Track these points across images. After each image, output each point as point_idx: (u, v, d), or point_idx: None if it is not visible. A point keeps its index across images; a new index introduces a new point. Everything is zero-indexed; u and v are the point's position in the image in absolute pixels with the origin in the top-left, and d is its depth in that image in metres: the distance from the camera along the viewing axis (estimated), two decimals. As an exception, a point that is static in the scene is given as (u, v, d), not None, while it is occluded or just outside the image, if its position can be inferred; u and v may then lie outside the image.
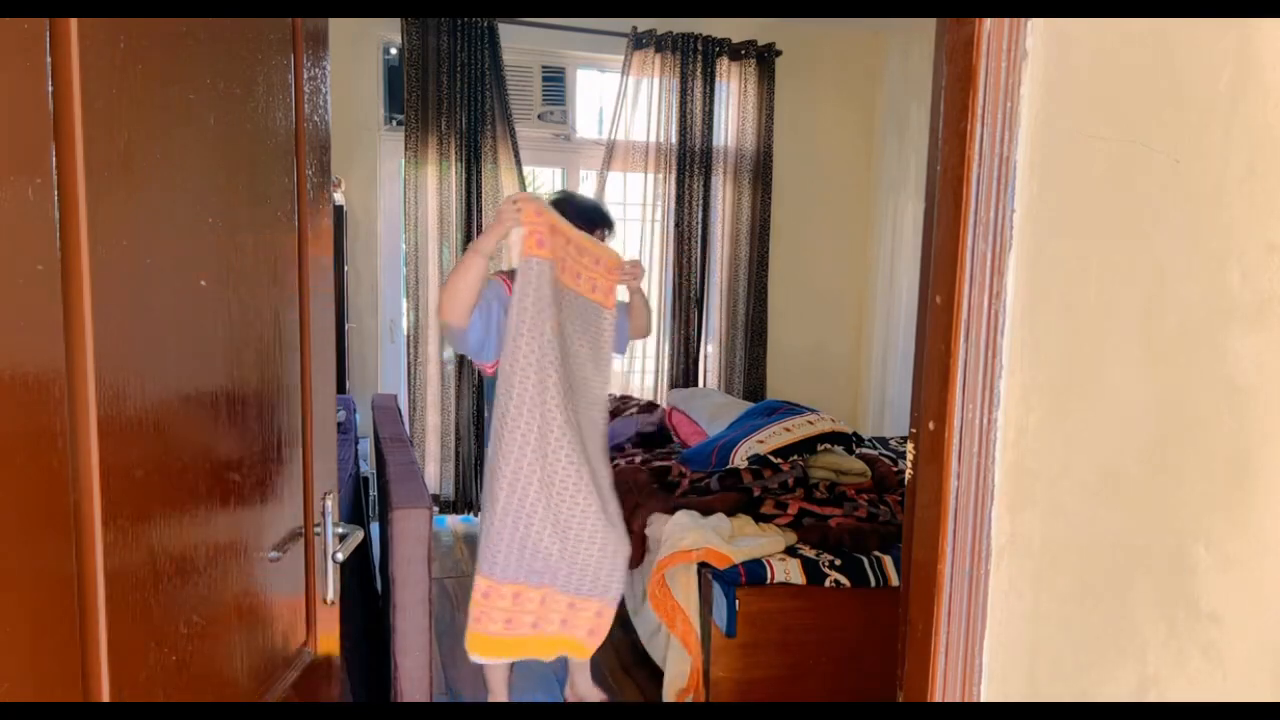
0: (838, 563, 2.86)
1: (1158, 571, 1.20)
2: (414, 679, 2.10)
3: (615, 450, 4.01)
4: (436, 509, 4.52)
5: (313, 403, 1.19)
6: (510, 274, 2.58)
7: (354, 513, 2.97)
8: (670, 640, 2.93)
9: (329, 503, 1.22)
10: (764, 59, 4.95)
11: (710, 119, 4.87)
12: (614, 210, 4.88)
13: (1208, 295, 1.15)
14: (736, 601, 2.76)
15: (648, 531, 3.19)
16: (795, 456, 3.58)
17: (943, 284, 1.13)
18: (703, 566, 2.89)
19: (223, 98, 0.93)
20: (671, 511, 3.16)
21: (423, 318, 4.56)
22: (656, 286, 4.92)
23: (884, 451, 4.20)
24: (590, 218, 2.69)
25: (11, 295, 0.63)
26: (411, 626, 2.08)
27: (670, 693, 2.89)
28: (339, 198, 4.19)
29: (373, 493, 3.87)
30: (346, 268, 4.34)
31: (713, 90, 4.86)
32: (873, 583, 2.84)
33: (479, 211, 4.54)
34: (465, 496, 4.73)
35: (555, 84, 4.85)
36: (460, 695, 3.07)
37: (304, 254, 1.15)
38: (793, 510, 3.21)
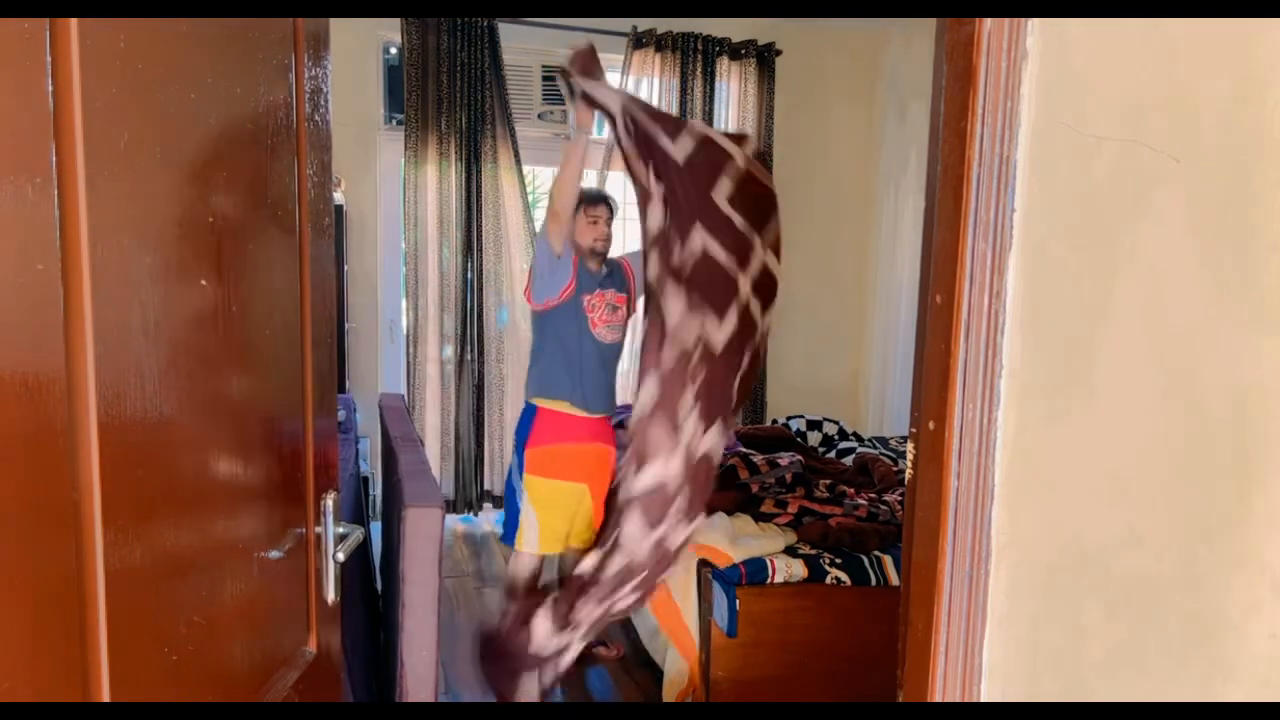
0: (838, 561, 2.87)
1: (1158, 570, 1.20)
2: (420, 678, 2.09)
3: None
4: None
5: (313, 402, 1.19)
6: None
7: (354, 513, 2.97)
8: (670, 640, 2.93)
9: (329, 503, 1.21)
10: (764, 59, 4.96)
11: (710, 118, 4.87)
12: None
13: (1209, 295, 1.15)
14: (737, 601, 2.76)
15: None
16: None
17: (943, 284, 1.13)
18: (702, 564, 2.89)
19: (223, 97, 0.93)
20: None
21: (422, 317, 4.56)
22: (656, 286, 4.92)
23: (884, 451, 4.20)
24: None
25: (11, 295, 0.63)
26: (420, 626, 2.07)
27: (670, 693, 2.89)
28: (339, 197, 4.19)
29: (373, 492, 3.87)
30: (346, 268, 4.34)
31: (713, 90, 4.86)
32: (873, 582, 2.84)
33: (479, 211, 4.54)
34: (465, 496, 4.73)
35: (555, 84, 4.85)
36: (462, 695, 3.06)
37: (304, 253, 1.15)
38: (793, 509, 3.21)
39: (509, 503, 3.08)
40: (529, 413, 3.00)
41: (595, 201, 3.01)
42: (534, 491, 2.95)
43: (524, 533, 2.98)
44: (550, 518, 2.96)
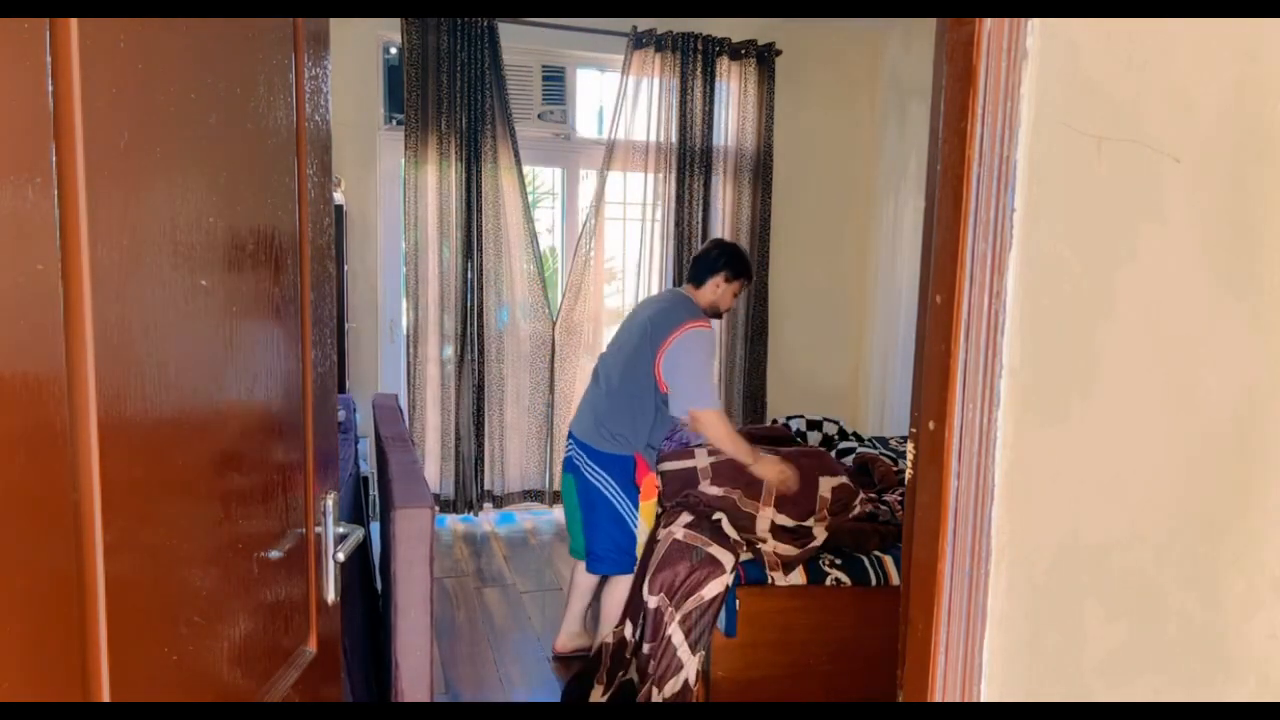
0: (838, 561, 2.87)
1: (1158, 570, 1.20)
2: (414, 679, 2.10)
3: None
4: (437, 508, 4.51)
5: (313, 402, 1.19)
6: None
7: (354, 513, 2.97)
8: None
9: (329, 503, 1.22)
10: (764, 59, 4.96)
11: (710, 119, 4.87)
12: (614, 210, 4.90)
13: (1210, 294, 1.15)
14: (736, 601, 2.76)
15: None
16: None
17: (943, 284, 1.13)
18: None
19: (223, 97, 0.93)
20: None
21: (422, 317, 4.56)
22: (656, 286, 4.92)
23: (884, 451, 4.20)
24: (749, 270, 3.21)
25: (11, 295, 0.63)
26: (412, 626, 2.08)
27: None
28: (339, 197, 4.19)
29: (373, 492, 3.87)
30: (346, 267, 4.34)
31: (713, 90, 4.86)
32: (873, 582, 2.84)
33: (479, 211, 4.54)
34: (465, 496, 4.72)
35: (555, 84, 4.85)
36: (462, 695, 3.07)
37: (304, 254, 1.15)
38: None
39: (605, 536, 3.06)
40: (628, 459, 3.03)
41: (751, 280, 3.24)
42: (649, 514, 3.05)
43: (638, 555, 3.04)
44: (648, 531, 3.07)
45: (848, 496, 3.04)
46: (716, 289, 3.10)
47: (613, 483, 3.02)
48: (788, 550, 2.85)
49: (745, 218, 5.06)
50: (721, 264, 3.10)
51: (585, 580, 3.24)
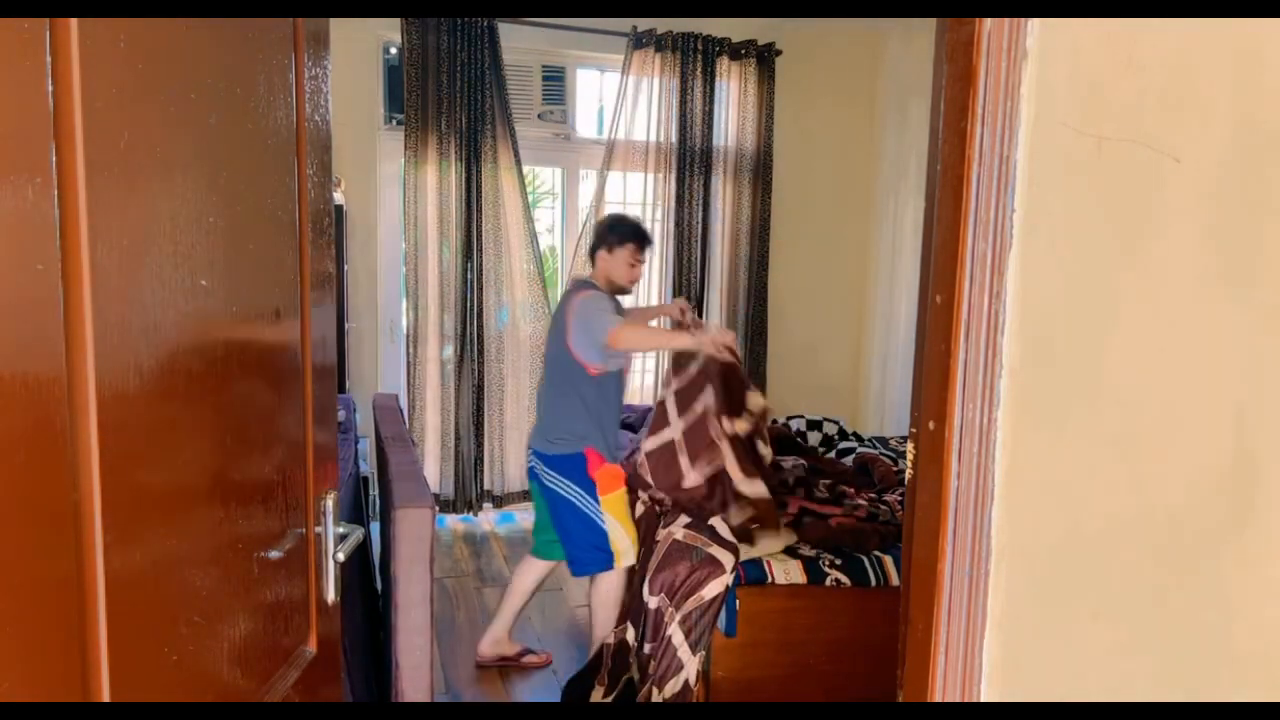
0: (838, 562, 2.87)
1: (1159, 569, 1.20)
2: (415, 679, 2.10)
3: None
4: (437, 508, 4.51)
5: (313, 402, 1.19)
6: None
7: (354, 513, 2.98)
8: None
9: (329, 503, 1.22)
10: (764, 59, 4.95)
11: (710, 119, 4.87)
12: (614, 210, 4.90)
13: (1210, 294, 1.15)
14: (737, 601, 2.76)
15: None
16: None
17: (943, 284, 1.13)
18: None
19: (223, 97, 0.93)
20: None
21: (422, 317, 4.55)
22: (657, 287, 4.92)
23: (884, 451, 4.20)
24: (644, 237, 3.14)
25: (11, 295, 0.63)
26: (412, 626, 2.08)
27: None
28: (339, 197, 4.18)
29: (373, 492, 3.87)
30: (346, 267, 4.33)
31: (713, 90, 4.86)
32: (873, 582, 2.84)
33: (479, 211, 4.53)
34: (465, 496, 4.72)
35: (555, 84, 4.85)
36: (460, 695, 3.07)
37: (304, 253, 1.15)
38: (793, 509, 3.20)
39: (576, 537, 3.04)
40: (577, 456, 3.02)
41: (645, 244, 3.13)
42: (616, 507, 3.03)
43: (620, 549, 3.01)
44: (629, 524, 3.05)
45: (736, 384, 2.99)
46: (605, 262, 3.10)
47: (567, 482, 3.03)
48: (753, 486, 2.83)
49: (745, 218, 5.06)
50: (598, 236, 3.13)
51: (521, 583, 3.23)
